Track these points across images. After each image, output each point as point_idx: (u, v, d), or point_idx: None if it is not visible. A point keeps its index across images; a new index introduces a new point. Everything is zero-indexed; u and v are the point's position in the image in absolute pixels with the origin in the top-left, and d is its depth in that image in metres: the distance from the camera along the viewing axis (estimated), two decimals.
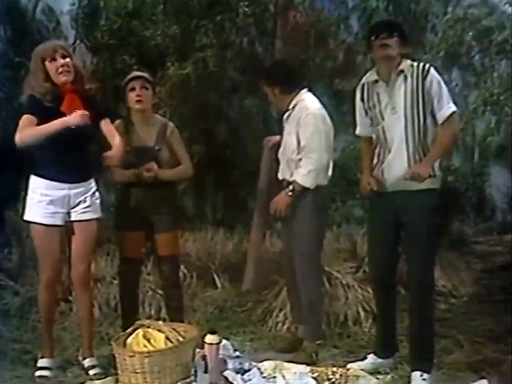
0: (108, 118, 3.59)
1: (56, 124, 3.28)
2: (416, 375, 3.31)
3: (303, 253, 3.83)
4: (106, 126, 3.54)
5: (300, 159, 3.77)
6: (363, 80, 3.60)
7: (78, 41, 6.80)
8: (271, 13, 6.99)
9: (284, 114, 3.96)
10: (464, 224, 7.97)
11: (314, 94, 3.99)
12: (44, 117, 3.32)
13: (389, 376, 3.42)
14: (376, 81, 3.48)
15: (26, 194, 3.47)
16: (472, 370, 3.59)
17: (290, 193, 3.77)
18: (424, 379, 3.29)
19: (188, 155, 3.98)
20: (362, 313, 4.60)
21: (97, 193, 3.58)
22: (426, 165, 3.30)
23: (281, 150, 3.99)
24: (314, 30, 7.23)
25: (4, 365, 3.69)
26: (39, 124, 3.31)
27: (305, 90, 3.96)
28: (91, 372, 3.48)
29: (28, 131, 3.30)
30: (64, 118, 3.29)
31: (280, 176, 4.00)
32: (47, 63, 3.39)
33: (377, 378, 3.29)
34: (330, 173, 3.90)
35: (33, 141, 3.29)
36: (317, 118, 3.78)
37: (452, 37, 7.06)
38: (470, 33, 7.09)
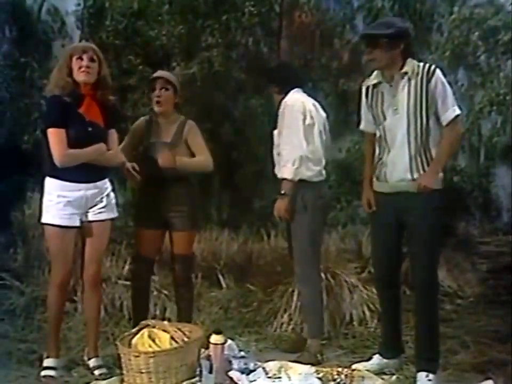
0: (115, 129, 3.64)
1: (93, 151, 3.40)
2: (421, 375, 3.31)
3: (299, 252, 3.85)
4: (112, 136, 3.58)
5: (276, 153, 3.94)
6: (367, 82, 3.59)
7: (83, 42, 6.81)
8: (276, 13, 7.00)
9: (277, 111, 3.97)
10: (470, 225, 7.95)
11: (309, 93, 4.06)
12: (64, 114, 3.38)
13: (394, 377, 3.42)
14: (380, 82, 3.48)
15: (42, 196, 3.48)
16: (478, 371, 3.59)
17: (282, 194, 3.79)
18: (429, 380, 3.28)
19: (206, 148, 3.90)
20: (367, 313, 4.60)
21: (112, 193, 3.61)
22: (432, 175, 3.30)
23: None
24: (319, 30, 7.22)
25: (10, 364, 3.70)
26: (64, 121, 3.37)
27: (296, 89, 3.95)
28: (96, 372, 3.48)
29: (69, 156, 3.36)
30: (100, 147, 3.41)
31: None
32: (73, 59, 3.45)
33: (383, 379, 3.28)
34: (319, 168, 3.91)
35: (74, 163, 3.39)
36: (292, 110, 3.80)
37: (457, 37, 7.04)
38: (476, 33, 7.07)
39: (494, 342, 4.13)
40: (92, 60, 3.46)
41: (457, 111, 3.32)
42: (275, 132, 3.98)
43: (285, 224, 4.03)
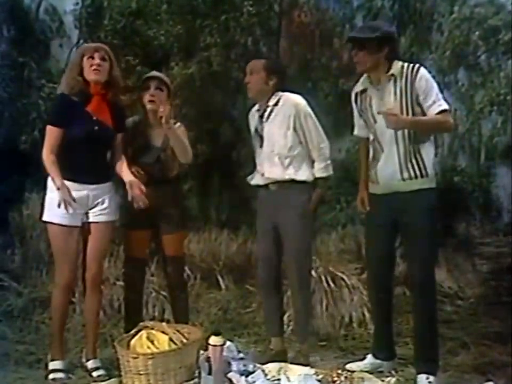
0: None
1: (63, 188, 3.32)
2: (422, 377, 3.29)
3: (302, 256, 3.75)
4: (118, 141, 3.60)
5: (298, 154, 3.72)
6: (355, 88, 3.61)
7: (81, 41, 6.80)
8: (275, 13, 6.98)
9: (263, 112, 3.78)
10: (470, 225, 7.95)
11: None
12: (69, 113, 3.40)
13: (394, 379, 3.38)
14: (367, 87, 3.49)
15: (44, 194, 3.47)
16: (478, 373, 3.57)
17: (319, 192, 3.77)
18: (430, 382, 3.27)
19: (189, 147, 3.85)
20: (367, 315, 4.59)
21: (114, 196, 3.61)
22: (403, 119, 3.27)
23: (267, 149, 3.77)
24: (319, 29, 7.21)
25: (8, 366, 3.68)
26: (65, 120, 3.39)
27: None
28: (95, 374, 3.45)
29: (50, 165, 3.36)
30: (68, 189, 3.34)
31: (265, 177, 3.79)
32: (84, 58, 3.47)
33: (383, 381, 3.25)
34: None
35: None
36: (307, 110, 3.74)
37: (458, 37, 7.02)
38: (477, 33, 7.04)
39: (494, 343, 4.13)
40: (103, 59, 3.47)
41: (443, 106, 3.30)
42: (272, 131, 3.76)
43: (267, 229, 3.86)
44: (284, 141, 3.71)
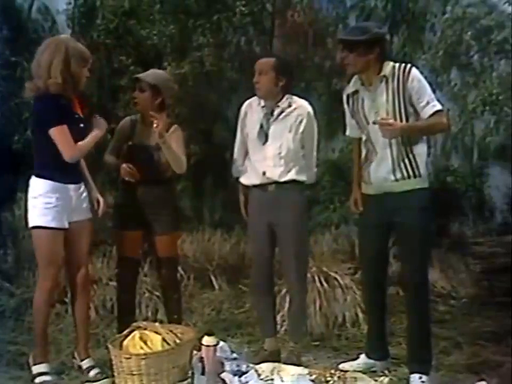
0: None
1: (94, 139, 3.44)
2: (414, 377, 3.31)
3: (300, 255, 3.74)
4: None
5: (299, 157, 3.74)
6: (347, 89, 3.61)
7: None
8: (269, 12, 6.97)
9: (272, 111, 3.73)
10: (463, 225, 7.95)
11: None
12: (62, 112, 3.36)
13: (387, 379, 3.39)
14: (359, 88, 3.50)
15: (27, 198, 3.40)
16: (471, 372, 3.59)
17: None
18: (423, 381, 3.28)
19: (184, 153, 3.83)
20: (360, 314, 4.59)
21: (85, 193, 3.58)
22: (399, 126, 3.28)
23: (272, 149, 3.71)
24: (312, 29, 7.19)
25: None
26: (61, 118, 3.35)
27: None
28: (91, 373, 3.42)
29: (79, 150, 3.39)
30: (97, 133, 3.46)
31: (265, 176, 3.73)
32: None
33: (376, 380, 3.26)
34: None
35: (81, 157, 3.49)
36: (313, 118, 3.79)
37: (450, 37, 7.00)
38: (469, 33, 7.02)
39: (488, 343, 4.15)
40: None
41: (437, 107, 3.32)
42: (281, 132, 3.71)
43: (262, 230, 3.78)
44: (293, 144, 3.70)
